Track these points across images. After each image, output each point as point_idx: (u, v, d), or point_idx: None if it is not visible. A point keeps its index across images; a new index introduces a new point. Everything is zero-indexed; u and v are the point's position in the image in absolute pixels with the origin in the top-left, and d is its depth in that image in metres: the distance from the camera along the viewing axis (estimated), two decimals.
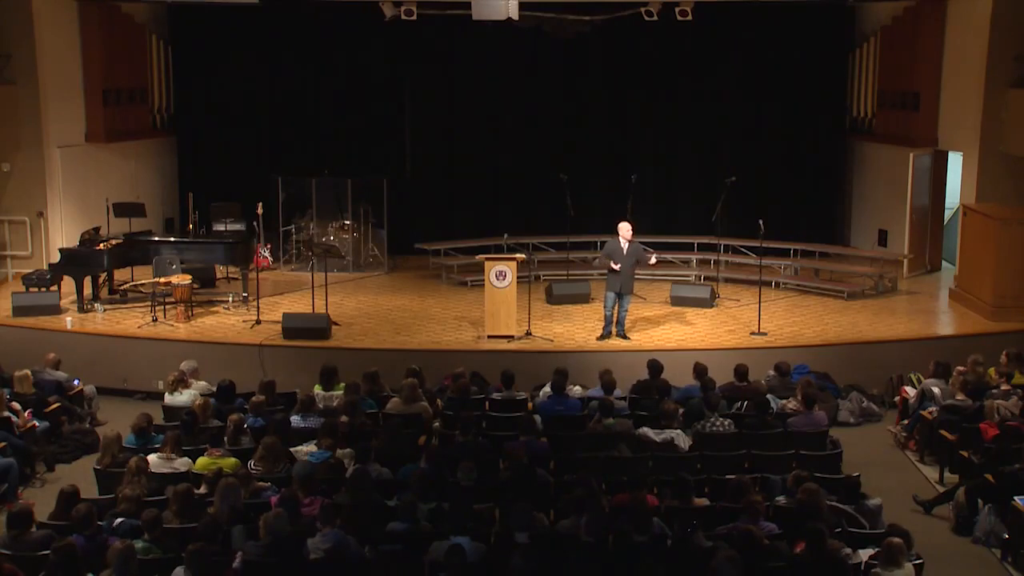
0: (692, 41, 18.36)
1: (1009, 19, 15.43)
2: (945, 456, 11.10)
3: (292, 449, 9.79)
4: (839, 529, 8.30)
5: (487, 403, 11.46)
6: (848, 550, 7.87)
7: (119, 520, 8.24)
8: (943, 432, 11.09)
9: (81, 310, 14.75)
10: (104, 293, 15.48)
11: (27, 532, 8.00)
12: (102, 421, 12.60)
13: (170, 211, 19.16)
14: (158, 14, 18.71)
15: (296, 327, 13.79)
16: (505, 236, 16.70)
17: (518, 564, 7.49)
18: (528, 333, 13.91)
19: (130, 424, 10.46)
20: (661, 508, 8.61)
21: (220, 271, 16.84)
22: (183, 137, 19.34)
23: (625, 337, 13.83)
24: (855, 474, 9.53)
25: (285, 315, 14.10)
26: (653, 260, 14.33)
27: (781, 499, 8.85)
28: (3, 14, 16.07)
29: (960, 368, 11.93)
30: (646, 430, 10.29)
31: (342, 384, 11.41)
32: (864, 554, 7.98)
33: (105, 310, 14.98)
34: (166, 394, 11.74)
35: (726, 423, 10.45)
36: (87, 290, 14.95)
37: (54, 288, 14.98)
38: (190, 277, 14.83)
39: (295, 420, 10.52)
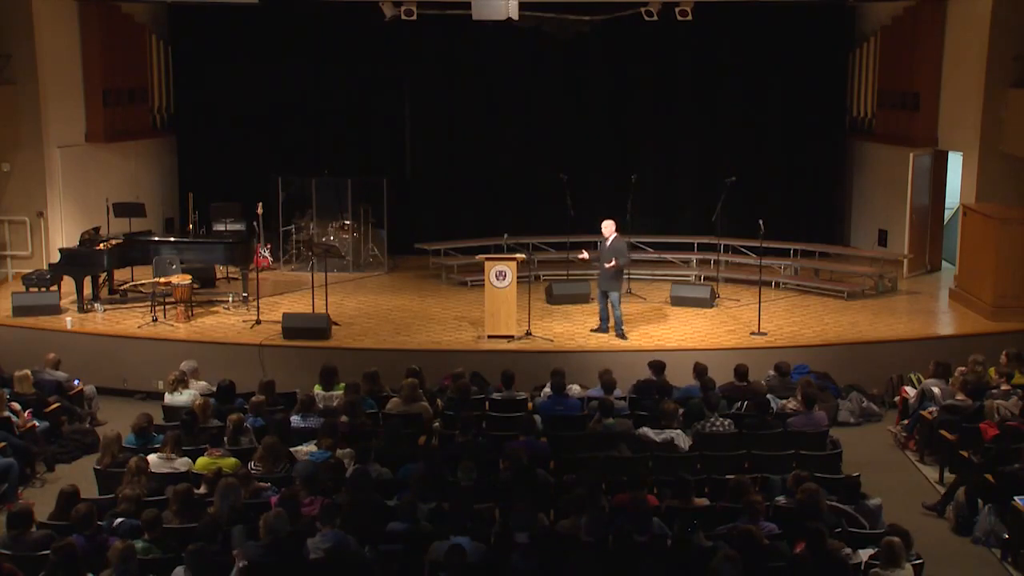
0: (692, 41, 18.35)
1: (1009, 19, 15.42)
2: (945, 456, 11.10)
3: (292, 449, 9.79)
4: (839, 529, 8.30)
5: (487, 403, 11.46)
6: (848, 550, 7.87)
7: (119, 520, 8.24)
8: (943, 432, 11.08)
9: (81, 310, 14.75)
10: (104, 293, 15.48)
11: (27, 532, 8.00)
12: (102, 421, 12.61)
13: (170, 211, 19.15)
14: (158, 14, 18.69)
15: (296, 327, 13.79)
16: (505, 236, 16.69)
17: (518, 564, 7.50)
18: (528, 333, 13.91)
19: (130, 424, 10.47)
20: (661, 508, 8.61)
21: (220, 271, 16.84)
22: (183, 137, 19.32)
23: (624, 337, 13.83)
24: (855, 474, 9.52)
25: (285, 315, 14.11)
26: (608, 265, 13.79)
27: (781, 499, 8.85)
28: (3, 14, 16.07)
29: (960, 368, 11.93)
30: (646, 430, 10.30)
31: (342, 384, 11.42)
32: (864, 554, 7.99)
33: (105, 310, 14.98)
34: (166, 394, 11.74)
35: (726, 423, 10.45)
36: (87, 290, 14.95)
37: (54, 288, 14.98)
38: (190, 277, 14.83)
39: (295, 420, 10.52)
